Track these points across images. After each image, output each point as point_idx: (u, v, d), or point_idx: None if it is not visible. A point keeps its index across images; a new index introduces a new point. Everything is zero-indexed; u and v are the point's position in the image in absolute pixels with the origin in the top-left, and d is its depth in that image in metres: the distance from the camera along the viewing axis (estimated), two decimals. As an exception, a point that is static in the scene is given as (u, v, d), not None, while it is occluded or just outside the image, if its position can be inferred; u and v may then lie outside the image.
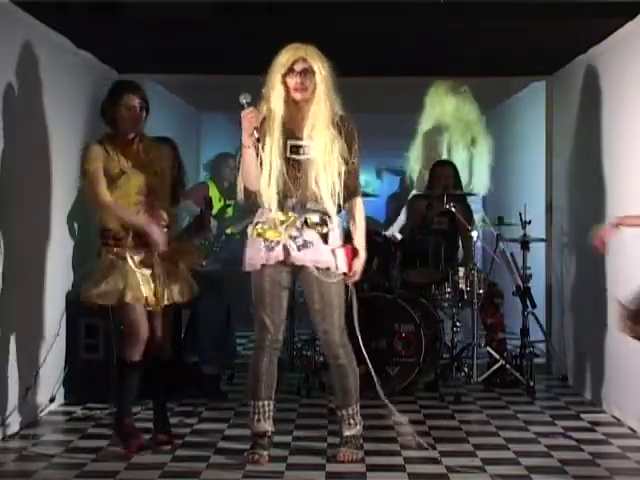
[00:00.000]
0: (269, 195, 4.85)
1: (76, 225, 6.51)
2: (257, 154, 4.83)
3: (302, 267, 4.92)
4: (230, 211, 9.56)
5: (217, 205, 9.03)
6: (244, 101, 4.78)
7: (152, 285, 5.17)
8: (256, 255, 4.91)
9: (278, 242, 4.88)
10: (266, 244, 4.89)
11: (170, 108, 9.46)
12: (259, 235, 4.91)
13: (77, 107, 6.64)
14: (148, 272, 5.16)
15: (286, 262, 4.90)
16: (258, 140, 4.80)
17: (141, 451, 5.13)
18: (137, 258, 5.15)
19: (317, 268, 4.89)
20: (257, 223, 4.94)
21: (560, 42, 6.42)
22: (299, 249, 4.87)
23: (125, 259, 5.14)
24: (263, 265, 4.91)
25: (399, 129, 12.16)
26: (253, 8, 5.52)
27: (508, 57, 6.86)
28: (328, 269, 4.90)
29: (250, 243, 4.96)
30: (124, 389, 5.24)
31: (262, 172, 4.83)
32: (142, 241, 5.15)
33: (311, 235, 4.88)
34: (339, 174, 4.87)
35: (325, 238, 4.89)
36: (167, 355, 5.37)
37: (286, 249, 4.87)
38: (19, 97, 5.59)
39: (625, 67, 5.98)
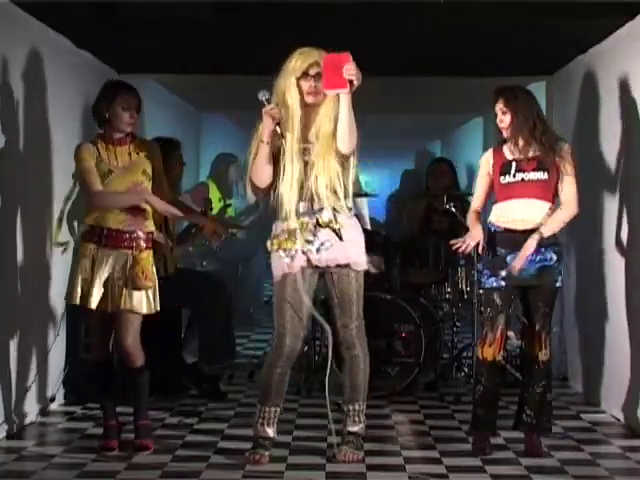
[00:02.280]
0: (289, 200, 4.86)
1: (76, 225, 6.51)
2: (277, 151, 4.86)
3: (325, 267, 4.96)
4: (230, 211, 9.57)
5: (217, 205, 9.04)
6: (264, 98, 4.80)
7: (109, 288, 5.08)
8: (279, 266, 4.95)
9: (297, 249, 4.91)
10: (287, 254, 4.92)
11: (170, 108, 9.46)
12: (277, 248, 4.94)
13: (77, 107, 6.63)
14: (106, 274, 5.08)
15: (309, 266, 4.94)
16: (283, 137, 4.82)
17: (107, 452, 5.11)
18: (102, 256, 5.10)
19: (338, 266, 4.94)
20: (274, 237, 4.97)
21: (560, 42, 6.43)
22: (318, 251, 4.91)
23: (87, 256, 5.11)
24: (286, 274, 4.94)
25: (397, 129, 12.18)
26: (253, 8, 5.52)
27: (508, 57, 6.86)
28: (348, 265, 4.95)
29: (273, 257, 5.00)
30: (97, 388, 5.31)
31: (284, 178, 4.86)
32: (113, 240, 5.10)
33: (326, 234, 4.91)
34: (338, 176, 4.88)
35: (339, 234, 4.92)
36: (137, 362, 5.16)
37: (306, 254, 4.91)
38: (19, 97, 5.59)
39: (625, 67, 5.98)
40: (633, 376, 5.77)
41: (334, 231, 4.92)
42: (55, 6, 5.48)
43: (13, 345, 5.52)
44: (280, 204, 4.91)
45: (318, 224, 4.91)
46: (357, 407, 5.07)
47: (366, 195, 7.66)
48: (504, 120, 5.16)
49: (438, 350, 7.13)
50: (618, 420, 5.97)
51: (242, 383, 7.10)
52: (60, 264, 6.21)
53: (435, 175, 7.80)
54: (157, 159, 5.26)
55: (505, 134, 5.20)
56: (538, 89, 8.01)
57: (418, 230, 7.69)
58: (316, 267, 4.96)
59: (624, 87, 5.95)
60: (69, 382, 6.36)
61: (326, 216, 4.91)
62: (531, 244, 5.07)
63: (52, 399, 6.12)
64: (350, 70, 4.71)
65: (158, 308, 5.22)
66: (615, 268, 6.10)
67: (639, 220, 5.72)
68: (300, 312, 4.98)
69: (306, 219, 4.90)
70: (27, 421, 5.74)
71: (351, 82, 4.73)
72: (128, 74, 6.95)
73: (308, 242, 4.91)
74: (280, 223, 4.95)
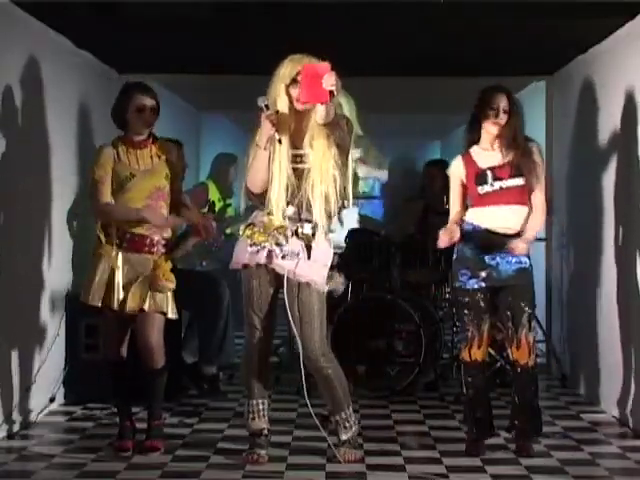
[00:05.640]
0: (276, 202, 4.85)
1: (76, 225, 6.51)
2: (269, 157, 4.85)
3: (282, 276, 4.91)
4: (230, 211, 9.56)
5: (217, 205, 9.04)
6: (263, 104, 4.75)
7: (130, 291, 5.09)
8: (241, 255, 4.95)
9: (264, 246, 4.89)
10: (252, 246, 4.91)
11: (170, 108, 9.44)
12: (248, 237, 4.93)
13: (77, 107, 6.64)
14: (128, 277, 5.10)
15: (268, 269, 4.92)
16: (280, 142, 4.80)
17: (122, 453, 5.10)
18: (123, 259, 5.11)
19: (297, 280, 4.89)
20: (249, 224, 4.96)
21: (560, 42, 6.43)
22: (283, 257, 4.88)
23: (109, 258, 5.12)
24: (247, 265, 4.93)
25: (398, 129, 12.17)
26: (253, 8, 5.52)
27: (508, 57, 6.86)
28: (308, 284, 4.90)
29: (239, 242, 5.00)
30: (112, 389, 5.31)
31: (272, 179, 4.85)
32: (135, 243, 5.13)
33: (297, 246, 4.89)
34: (334, 182, 4.88)
35: (309, 252, 4.89)
36: (159, 362, 5.21)
37: (270, 255, 4.89)
38: (19, 97, 5.59)
39: (625, 67, 5.98)
40: (634, 376, 5.77)
41: (307, 247, 4.89)
42: (55, 6, 5.48)
43: (13, 345, 5.52)
44: (267, 201, 4.88)
45: (295, 233, 4.89)
46: (344, 415, 5.04)
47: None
48: (504, 119, 5.15)
49: (438, 350, 7.13)
50: (618, 420, 5.97)
51: (242, 383, 7.08)
52: (60, 264, 6.22)
53: (434, 176, 7.78)
54: (177, 161, 5.26)
55: (495, 131, 5.17)
56: (538, 89, 8.03)
57: (415, 231, 7.67)
58: (273, 271, 4.92)
59: (624, 87, 5.95)
60: (69, 382, 6.36)
61: (307, 229, 4.89)
62: (523, 248, 5.10)
63: (52, 399, 6.12)
64: (330, 81, 4.61)
65: (175, 315, 5.26)
66: (615, 267, 6.10)
67: (639, 219, 5.72)
68: (267, 301, 4.98)
69: (287, 223, 4.88)
70: (27, 421, 5.73)
71: (331, 93, 4.63)
72: (128, 74, 6.95)
73: (278, 245, 4.88)
74: (261, 214, 4.93)
